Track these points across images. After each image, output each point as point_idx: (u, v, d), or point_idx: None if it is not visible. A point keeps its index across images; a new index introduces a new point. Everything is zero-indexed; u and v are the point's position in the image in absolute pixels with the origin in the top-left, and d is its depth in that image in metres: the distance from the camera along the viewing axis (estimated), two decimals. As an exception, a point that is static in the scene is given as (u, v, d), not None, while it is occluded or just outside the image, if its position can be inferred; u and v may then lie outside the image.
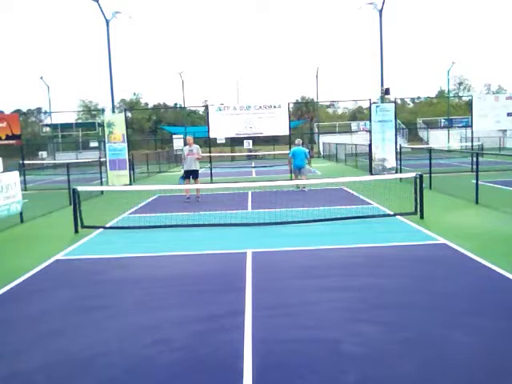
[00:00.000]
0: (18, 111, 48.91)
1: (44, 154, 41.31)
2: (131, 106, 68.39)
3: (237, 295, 5.51)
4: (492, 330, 4.34)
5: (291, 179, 17.80)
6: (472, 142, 22.62)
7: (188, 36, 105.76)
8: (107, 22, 23.59)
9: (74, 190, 9.82)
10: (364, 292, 5.50)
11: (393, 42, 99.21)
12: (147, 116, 68.18)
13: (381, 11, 23.30)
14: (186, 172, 13.63)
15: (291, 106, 23.60)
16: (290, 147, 21.09)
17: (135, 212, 12.19)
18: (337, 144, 33.38)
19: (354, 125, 49.47)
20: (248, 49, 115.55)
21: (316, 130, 47.96)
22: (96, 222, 10.02)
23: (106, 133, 19.68)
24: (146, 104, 75.24)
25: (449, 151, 26.51)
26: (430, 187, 14.06)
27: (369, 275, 6.14)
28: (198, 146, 13.80)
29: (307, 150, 16.68)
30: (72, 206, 9.87)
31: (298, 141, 16.63)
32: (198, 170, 13.72)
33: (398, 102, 41.07)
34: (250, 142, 36.88)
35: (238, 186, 13.08)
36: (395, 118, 19.90)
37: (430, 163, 14.79)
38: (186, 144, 14.81)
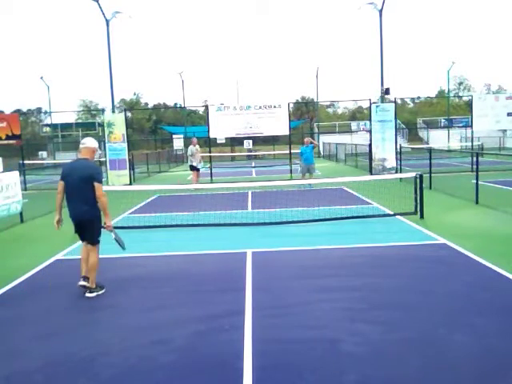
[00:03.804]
0: (18, 111, 48.84)
1: (44, 153, 41.29)
2: (131, 105, 68.37)
3: (237, 295, 5.52)
4: (492, 330, 4.34)
5: (291, 179, 17.81)
6: (472, 141, 22.63)
7: (188, 36, 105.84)
8: (107, 21, 23.58)
9: (74, 190, 9.79)
10: (364, 292, 5.50)
11: (393, 42, 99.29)
12: (147, 116, 68.17)
13: (381, 11, 23.28)
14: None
15: (291, 105, 23.61)
16: (290, 147, 21.15)
17: (135, 212, 12.19)
18: (337, 144, 33.37)
19: (353, 125, 49.47)
20: (248, 49, 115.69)
21: (316, 130, 47.96)
22: (96, 221, 10.00)
23: (106, 133, 19.67)
24: (146, 104, 75.26)
25: (449, 151, 26.49)
26: (430, 187, 14.05)
27: (369, 275, 6.14)
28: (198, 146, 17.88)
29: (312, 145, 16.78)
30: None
31: (306, 139, 16.86)
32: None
33: (398, 101, 41.04)
34: (250, 141, 36.89)
35: (237, 185, 13.06)
36: (395, 118, 19.89)
37: (430, 163, 14.78)
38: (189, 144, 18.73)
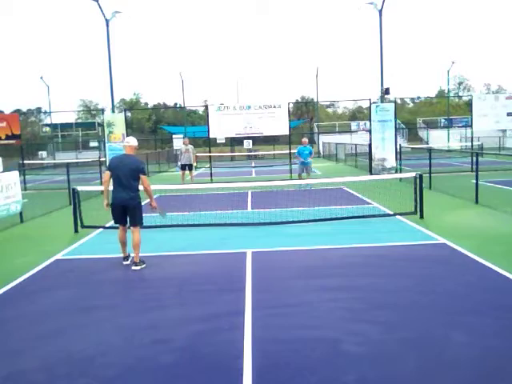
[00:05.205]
0: (17, 111, 48.81)
1: (44, 153, 41.23)
2: (131, 105, 68.31)
3: (237, 295, 5.52)
4: (492, 330, 4.35)
5: (291, 179, 17.80)
6: (472, 141, 22.63)
7: (188, 36, 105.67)
8: (107, 21, 23.56)
9: (74, 190, 9.82)
10: (364, 292, 5.51)
11: (393, 42, 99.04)
12: (147, 116, 68.12)
13: (381, 11, 23.26)
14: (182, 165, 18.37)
15: (291, 105, 23.62)
16: (289, 147, 21.16)
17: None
18: (337, 144, 33.36)
19: (353, 125, 49.43)
20: (248, 49, 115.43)
21: (316, 130, 47.95)
22: (96, 221, 10.01)
23: (106, 133, 19.66)
24: (146, 104, 75.18)
25: (449, 151, 26.48)
26: (430, 187, 14.05)
27: (369, 275, 6.14)
28: (192, 146, 18.65)
29: (311, 148, 16.70)
30: (72, 206, 9.88)
31: (304, 140, 16.78)
32: (192, 164, 18.42)
33: (398, 101, 41.08)
34: (250, 141, 36.83)
35: (237, 185, 13.04)
36: (395, 118, 19.88)
37: (430, 163, 14.78)
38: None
